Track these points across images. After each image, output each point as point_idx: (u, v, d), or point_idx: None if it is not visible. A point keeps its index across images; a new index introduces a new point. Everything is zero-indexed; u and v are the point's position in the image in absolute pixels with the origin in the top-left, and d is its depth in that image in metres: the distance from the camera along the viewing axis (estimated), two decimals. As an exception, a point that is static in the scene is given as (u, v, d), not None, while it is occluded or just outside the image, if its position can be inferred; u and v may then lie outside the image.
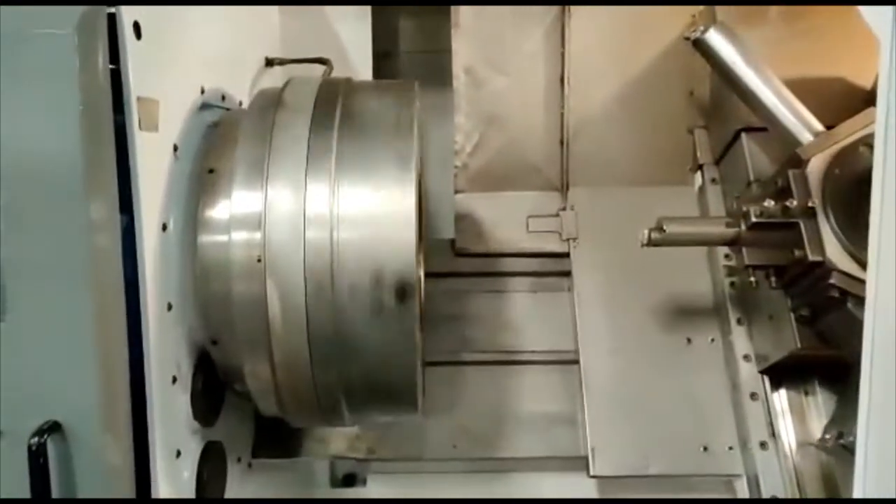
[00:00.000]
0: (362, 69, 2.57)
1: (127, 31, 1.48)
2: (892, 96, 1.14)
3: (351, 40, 2.59)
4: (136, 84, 1.50)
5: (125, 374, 1.54)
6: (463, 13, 2.67)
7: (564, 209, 2.73)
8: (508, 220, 2.72)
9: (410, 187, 1.70)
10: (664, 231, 2.12)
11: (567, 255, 2.66)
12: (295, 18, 2.52)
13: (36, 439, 1.41)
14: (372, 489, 2.38)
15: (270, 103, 1.80)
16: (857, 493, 1.17)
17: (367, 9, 2.62)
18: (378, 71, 2.65)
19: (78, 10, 1.38)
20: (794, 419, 2.24)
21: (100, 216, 1.45)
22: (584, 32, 2.65)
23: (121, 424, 1.53)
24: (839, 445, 1.88)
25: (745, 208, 2.10)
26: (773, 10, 2.44)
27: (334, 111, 1.77)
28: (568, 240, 2.69)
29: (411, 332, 1.71)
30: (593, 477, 2.30)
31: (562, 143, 2.73)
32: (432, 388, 2.06)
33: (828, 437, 1.92)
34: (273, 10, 2.49)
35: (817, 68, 2.36)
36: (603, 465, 2.30)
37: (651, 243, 2.13)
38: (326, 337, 1.69)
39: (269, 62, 2.29)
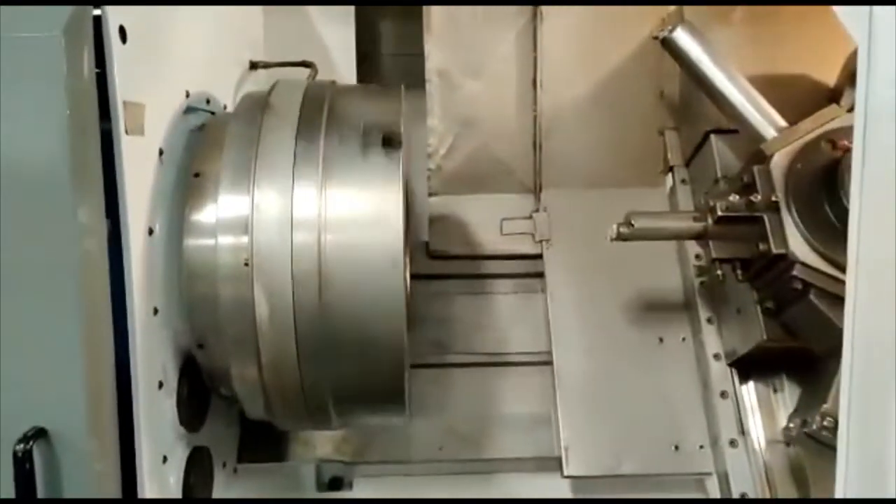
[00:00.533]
0: (346, 72, 2.58)
1: (113, 35, 1.48)
2: (869, 98, 1.17)
3: (334, 43, 2.59)
4: (122, 88, 1.50)
5: (111, 379, 1.53)
6: (435, 17, 2.68)
7: (538, 211, 2.74)
8: (482, 222, 2.73)
9: (397, 190, 1.72)
10: (633, 226, 2.14)
11: (540, 256, 2.67)
12: (279, 21, 2.52)
13: (21, 445, 1.39)
14: (358, 492, 2.38)
15: (257, 107, 1.81)
16: (838, 493, 1.19)
17: (351, 12, 2.63)
18: (359, 74, 2.66)
19: (65, 13, 1.37)
20: (763, 416, 2.28)
21: (86, 221, 1.44)
22: (556, 36, 2.67)
23: (107, 430, 1.52)
24: (803, 434, 1.93)
25: (711, 203, 2.14)
26: (738, 12, 2.50)
27: (321, 115, 1.78)
28: (541, 241, 2.70)
29: (400, 333, 1.71)
30: (566, 477, 2.31)
31: (535, 145, 2.74)
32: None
33: (791, 426, 1.95)
34: (257, 14, 2.48)
35: (782, 67, 2.42)
36: (576, 465, 2.32)
37: (620, 237, 2.15)
38: (314, 339, 1.69)
39: (254, 65, 2.29)
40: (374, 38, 2.89)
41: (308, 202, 1.69)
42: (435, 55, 2.69)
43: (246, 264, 1.67)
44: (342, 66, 2.59)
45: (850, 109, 2.14)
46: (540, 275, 2.64)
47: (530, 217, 2.73)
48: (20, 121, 1.38)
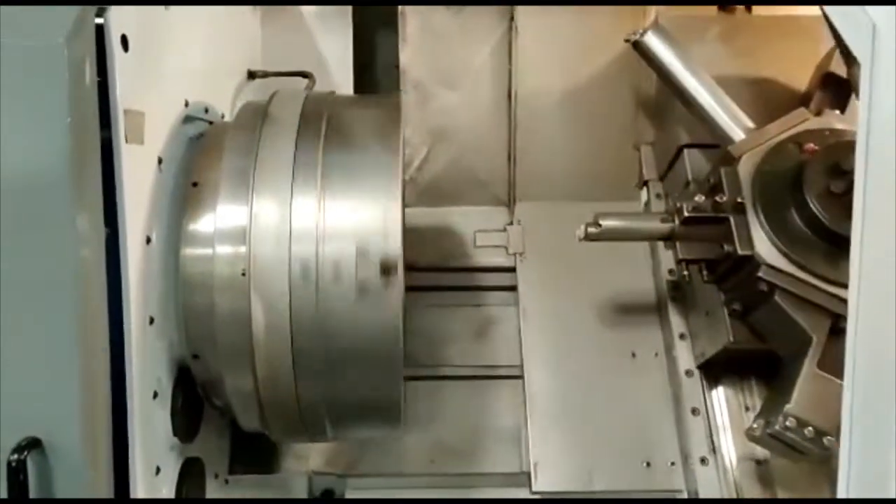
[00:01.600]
0: (343, 82, 2.58)
1: (115, 43, 1.47)
2: (872, 116, 1.17)
3: (332, 54, 2.60)
4: (123, 96, 1.49)
5: (107, 389, 1.51)
6: (411, 27, 2.68)
7: (511, 224, 2.74)
8: (456, 234, 2.73)
9: (396, 202, 1.72)
10: (601, 226, 2.15)
11: (514, 269, 2.67)
12: (276, 31, 2.53)
13: (15, 456, 1.37)
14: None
15: (256, 116, 1.81)
16: (840, 493, 1.20)
17: (349, 23, 2.64)
18: (356, 84, 2.66)
19: (68, 21, 1.36)
20: (734, 434, 2.28)
21: (85, 229, 1.43)
22: (532, 48, 2.68)
23: (101, 441, 1.50)
24: (767, 434, 1.94)
25: (678, 204, 2.16)
26: (714, 28, 2.55)
27: (320, 125, 1.78)
28: (514, 254, 2.70)
29: (395, 344, 1.71)
30: (535, 493, 2.30)
31: (509, 158, 2.75)
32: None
33: (755, 426, 1.97)
34: (255, 23, 2.49)
35: (755, 74, 2.45)
36: (545, 481, 2.31)
37: (588, 237, 2.15)
38: (311, 351, 1.69)
39: (252, 75, 2.29)
40: (370, 49, 2.90)
41: (307, 213, 1.69)
42: (410, 66, 2.70)
43: (243, 275, 1.66)
44: (339, 76, 2.59)
45: (818, 113, 2.20)
46: (512, 287, 2.64)
47: (504, 230, 2.74)
48: (22, 128, 1.37)
